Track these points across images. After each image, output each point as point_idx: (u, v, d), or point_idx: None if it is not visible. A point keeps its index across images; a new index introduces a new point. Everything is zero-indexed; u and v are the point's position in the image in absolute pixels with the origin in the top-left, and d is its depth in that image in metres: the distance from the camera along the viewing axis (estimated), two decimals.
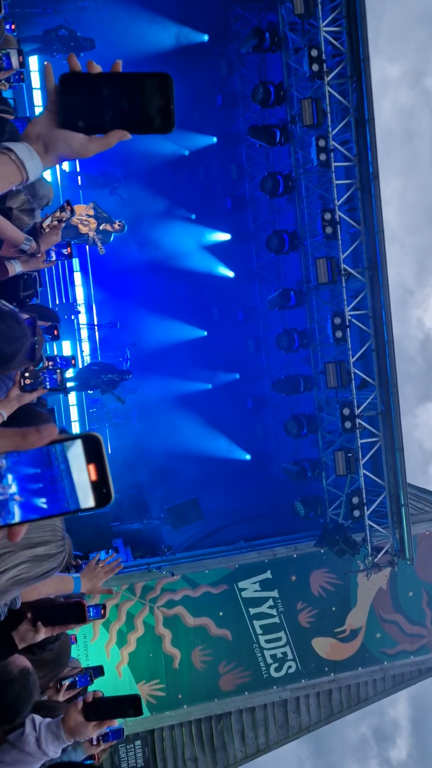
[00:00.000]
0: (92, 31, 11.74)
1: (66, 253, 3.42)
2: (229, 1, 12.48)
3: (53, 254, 3.36)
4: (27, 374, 2.74)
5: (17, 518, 0.87)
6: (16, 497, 0.86)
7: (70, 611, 2.36)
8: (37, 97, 12.14)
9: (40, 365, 3.10)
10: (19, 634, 2.29)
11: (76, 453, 0.89)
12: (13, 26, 4.59)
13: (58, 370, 3.20)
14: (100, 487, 0.90)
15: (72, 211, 3.60)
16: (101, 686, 10.22)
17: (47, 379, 2.83)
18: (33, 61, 11.39)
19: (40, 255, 3.24)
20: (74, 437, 0.90)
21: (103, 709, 2.32)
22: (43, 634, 2.31)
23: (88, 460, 0.89)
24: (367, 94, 9.87)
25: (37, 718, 2.27)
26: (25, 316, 2.65)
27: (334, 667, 11.00)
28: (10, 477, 0.86)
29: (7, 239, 3.11)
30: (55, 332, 3.47)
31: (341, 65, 9.97)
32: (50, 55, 11.56)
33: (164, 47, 12.59)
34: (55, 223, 3.37)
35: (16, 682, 2.05)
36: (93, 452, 0.90)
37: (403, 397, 10.76)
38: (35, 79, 11.66)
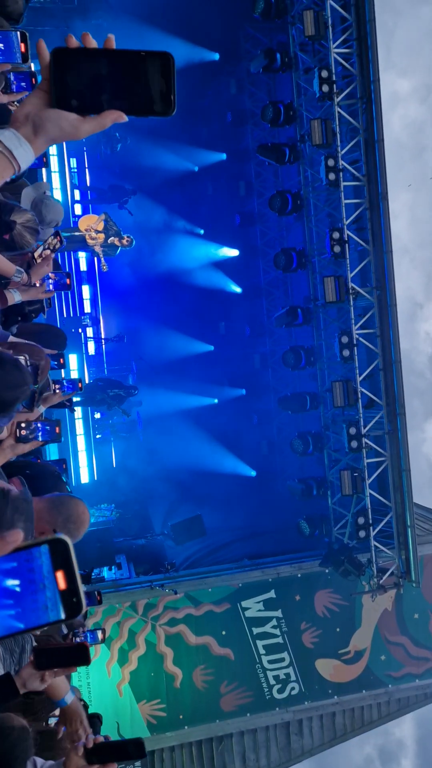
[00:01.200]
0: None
1: (66, 283, 3.39)
2: (240, 22, 12.58)
3: (51, 285, 3.33)
4: (23, 424, 2.70)
5: None
6: None
7: (74, 653, 2.29)
8: None
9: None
10: (21, 678, 2.23)
11: (43, 559, 0.82)
12: (33, 81, 4.57)
13: (56, 427, 3.12)
14: (69, 596, 0.82)
15: (62, 242, 3.58)
16: (101, 703, 10.11)
17: (40, 431, 2.78)
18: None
19: (39, 285, 3.22)
20: (40, 542, 0.82)
21: (105, 753, 2.26)
22: (48, 681, 2.27)
23: (56, 567, 0.81)
24: (376, 115, 9.90)
25: (39, 760, 2.23)
26: (24, 359, 2.62)
27: (337, 689, 10.85)
28: None
29: None
30: (61, 361, 3.45)
31: (351, 86, 10.01)
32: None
33: (175, 65, 12.67)
34: (47, 252, 3.35)
35: (15, 731, 2.00)
36: (61, 557, 0.82)
37: (411, 412, 10.71)
38: None
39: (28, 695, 2.24)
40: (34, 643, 2.20)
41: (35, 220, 3.41)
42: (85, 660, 2.19)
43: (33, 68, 4.05)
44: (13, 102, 4.41)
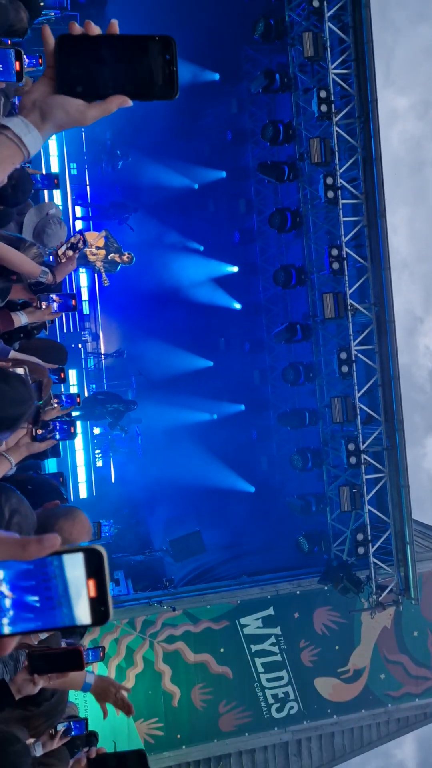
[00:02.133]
0: None
1: (71, 305, 3.44)
2: (241, 43, 12.79)
3: (56, 305, 3.38)
4: (39, 423, 2.72)
5: (6, 630, 0.82)
6: (9, 608, 0.82)
7: (67, 658, 2.27)
8: None
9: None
10: (15, 684, 2.22)
11: (76, 566, 0.85)
12: (40, 60, 4.68)
13: (72, 426, 3.16)
14: (98, 604, 0.84)
15: (85, 242, 3.64)
16: (98, 721, 9.99)
17: (57, 430, 2.81)
18: None
19: (45, 307, 3.26)
20: (76, 550, 0.85)
21: (107, 765, 2.24)
22: (40, 685, 2.26)
23: (89, 575, 0.85)
24: (374, 134, 10.03)
25: None
26: (23, 370, 2.65)
27: (336, 708, 10.74)
28: (5, 587, 0.82)
29: (23, 273, 3.14)
30: (62, 375, 3.48)
31: (349, 106, 10.16)
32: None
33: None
34: (70, 252, 3.40)
35: (17, 744, 2.00)
36: (94, 567, 0.85)
37: (411, 426, 10.75)
38: None
39: (27, 707, 2.23)
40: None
41: (41, 252, 3.47)
42: (79, 665, 2.19)
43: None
44: None
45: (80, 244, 3.55)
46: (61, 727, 3.30)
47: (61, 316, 13.28)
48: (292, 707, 10.61)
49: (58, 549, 0.85)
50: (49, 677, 2.26)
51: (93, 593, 0.85)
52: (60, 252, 3.45)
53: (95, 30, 1.21)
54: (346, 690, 10.80)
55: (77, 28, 1.22)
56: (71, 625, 0.85)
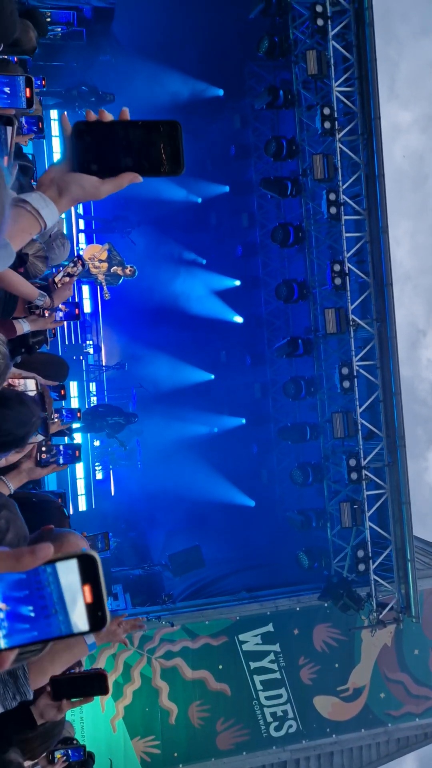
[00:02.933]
0: (112, 84, 12.14)
1: (75, 314, 3.45)
2: (245, 59, 12.91)
3: (60, 314, 3.39)
4: (44, 448, 2.70)
5: (3, 644, 0.81)
6: (4, 621, 0.81)
7: (92, 682, 2.25)
8: (56, 145, 12.50)
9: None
10: (38, 709, 2.19)
11: (70, 573, 0.85)
12: (43, 81, 4.75)
13: (76, 450, 3.14)
14: (95, 610, 0.85)
15: (83, 265, 3.66)
16: (94, 739, 9.85)
17: (61, 454, 2.80)
18: (54, 114, 11.75)
19: (48, 315, 3.26)
20: (69, 556, 0.86)
21: None
22: (66, 710, 2.23)
23: (84, 581, 0.85)
24: (377, 151, 10.09)
25: None
26: (31, 391, 2.64)
27: (336, 727, 10.61)
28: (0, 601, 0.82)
29: (21, 295, 3.14)
30: (62, 392, 3.47)
31: (352, 123, 10.23)
32: (72, 110, 11.94)
33: (181, 100, 13.00)
34: (67, 279, 3.42)
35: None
36: (89, 572, 0.86)
37: (413, 440, 10.72)
38: (56, 130, 12.01)
39: (23, 730, 2.20)
40: (29, 692, 2.15)
41: (43, 247, 3.49)
42: (103, 689, 2.17)
43: (41, 113, 4.24)
44: (26, 142, 4.57)
45: (78, 269, 3.56)
46: (59, 755, 3.25)
47: (63, 328, 13.29)
48: (290, 726, 10.48)
49: (51, 557, 0.85)
50: (73, 703, 2.23)
51: (89, 599, 0.85)
52: (57, 279, 3.47)
53: (108, 117, 1.34)
54: (345, 709, 10.67)
55: (92, 116, 1.34)
56: (68, 633, 0.84)
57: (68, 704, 2.20)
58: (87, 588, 0.85)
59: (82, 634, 0.85)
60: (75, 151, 1.35)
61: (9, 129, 1.56)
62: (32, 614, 0.83)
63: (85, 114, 1.35)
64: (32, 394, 2.75)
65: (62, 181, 1.36)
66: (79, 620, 0.85)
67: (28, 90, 2.07)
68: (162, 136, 1.32)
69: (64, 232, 4.40)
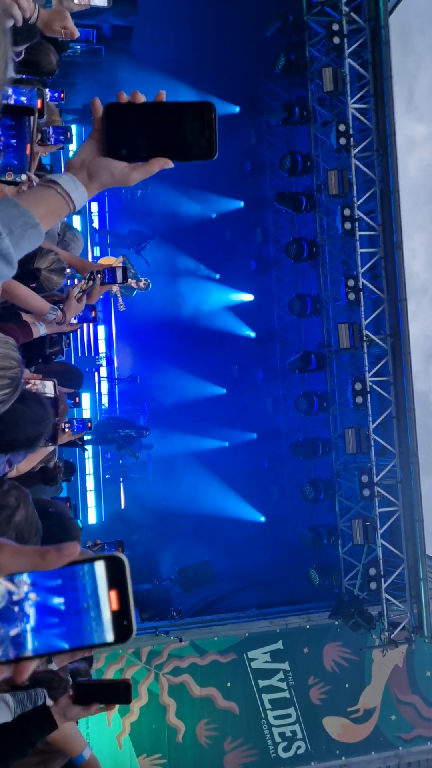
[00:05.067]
0: None
1: (91, 317, 3.45)
2: (261, 77, 13.04)
3: (75, 318, 3.38)
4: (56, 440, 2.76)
5: (29, 652, 0.76)
6: (29, 627, 0.76)
7: (116, 691, 2.19)
8: None
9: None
10: (60, 708, 2.11)
11: (97, 576, 0.79)
12: (62, 95, 4.81)
13: (89, 423, 3.27)
14: (120, 618, 0.78)
15: (93, 280, 3.65)
16: (100, 755, 9.74)
17: (75, 424, 2.88)
18: (73, 129, 11.90)
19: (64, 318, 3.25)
20: (97, 558, 0.80)
21: None
22: (93, 713, 2.18)
23: (110, 586, 0.79)
24: (392, 167, 10.11)
25: None
26: (49, 393, 2.64)
27: (345, 750, 10.40)
28: (26, 603, 0.76)
29: (31, 309, 3.12)
30: (77, 399, 3.47)
31: (367, 139, 10.26)
32: (89, 126, 12.06)
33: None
34: (80, 294, 3.40)
35: None
36: (116, 576, 0.79)
37: (428, 455, 10.59)
38: (74, 144, 12.15)
39: (43, 732, 2.15)
40: (48, 700, 2.11)
41: (58, 259, 3.45)
42: (126, 698, 2.10)
43: (60, 123, 4.28)
44: (46, 153, 4.62)
45: (93, 284, 3.56)
46: None
47: (77, 340, 13.36)
48: (299, 747, 10.30)
49: (77, 558, 0.80)
50: (98, 708, 2.19)
51: (115, 605, 0.79)
52: (72, 295, 3.46)
53: (141, 98, 1.29)
54: (355, 731, 10.48)
55: (124, 97, 1.30)
56: (91, 644, 0.78)
57: (96, 708, 2.16)
58: (114, 593, 0.78)
59: (107, 645, 0.79)
60: (105, 135, 1.30)
61: (31, 119, 1.57)
62: (57, 622, 0.77)
63: (117, 96, 1.31)
64: (50, 395, 2.75)
65: (92, 165, 1.33)
66: (104, 629, 0.78)
67: (39, 101, 2.13)
68: (195, 120, 1.27)
69: (81, 249, 4.40)
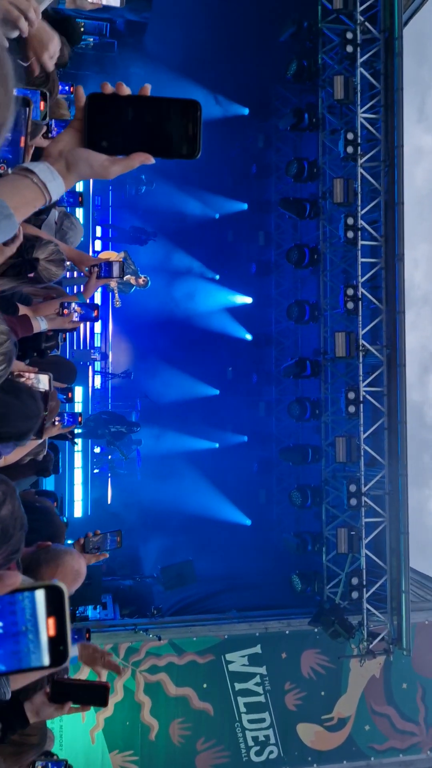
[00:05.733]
0: None
1: (93, 316, 3.43)
2: (272, 81, 13.03)
3: (77, 315, 3.36)
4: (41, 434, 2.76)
5: None
6: None
7: (93, 692, 2.18)
8: None
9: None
10: (34, 705, 2.09)
11: (36, 604, 0.82)
12: (71, 88, 4.79)
13: (79, 417, 3.25)
14: (57, 644, 0.82)
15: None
16: (72, 749, 9.71)
17: (65, 418, 2.85)
18: None
19: (66, 314, 3.23)
20: (38, 586, 0.83)
21: None
22: (64, 712, 2.15)
23: (48, 613, 0.82)
24: (398, 179, 10.13)
25: None
26: (43, 387, 2.63)
27: (318, 757, 10.41)
28: None
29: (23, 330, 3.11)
30: (69, 395, 3.45)
31: (375, 149, 10.27)
32: None
33: (206, 116, 13.05)
34: (74, 318, 3.41)
35: None
36: (54, 604, 0.82)
37: (420, 466, 10.65)
38: None
39: (14, 729, 2.13)
40: (7, 692, 2.09)
41: (58, 249, 3.42)
42: (103, 701, 2.10)
43: (69, 117, 4.26)
44: None
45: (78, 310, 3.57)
46: (39, 765, 3.18)
47: (72, 334, 13.31)
48: (272, 752, 10.30)
49: (17, 587, 0.82)
50: (73, 708, 2.17)
51: (52, 632, 0.82)
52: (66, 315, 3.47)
53: (126, 91, 1.25)
54: (328, 738, 10.49)
55: (109, 88, 1.26)
56: (27, 667, 0.81)
57: (69, 708, 2.13)
58: (51, 621, 0.82)
59: (42, 669, 0.82)
60: (87, 125, 1.26)
61: (27, 110, 1.54)
62: (1, 631, 0.81)
63: (101, 86, 1.26)
64: (43, 389, 2.74)
65: (71, 156, 1.28)
66: (40, 654, 0.82)
67: (42, 103, 2.12)
68: (180, 117, 1.23)
69: (81, 239, 4.38)
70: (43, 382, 2.80)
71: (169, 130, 1.24)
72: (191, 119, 1.23)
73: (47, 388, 2.79)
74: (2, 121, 1.01)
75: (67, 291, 4.10)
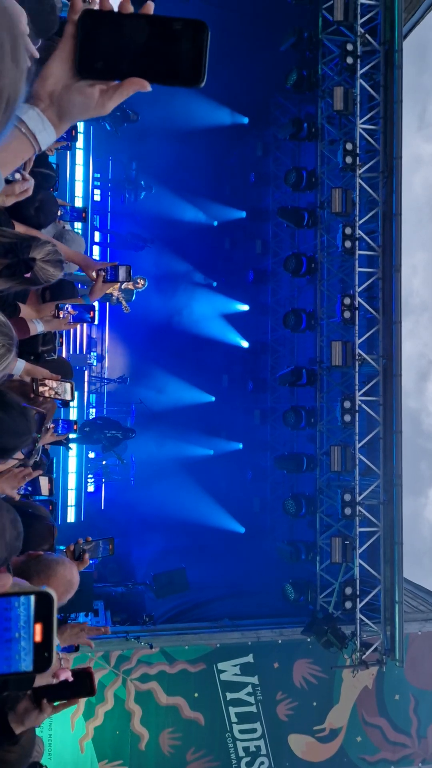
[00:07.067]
0: (138, 103, 12.31)
1: (90, 317, 3.41)
2: (272, 90, 13.10)
3: (71, 317, 3.34)
4: (33, 456, 2.70)
5: None
6: None
7: (78, 682, 2.01)
8: (80, 157, 12.65)
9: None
10: (18, 715, 2.00)
11: (25, 609, 0.83)
12: None
13: (74, 424, 3.21)
14: (42, 649, 0.83)
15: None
16: (61, 758, 9.59)
17: (61, 425, 2.83)
18: (81, 127, 11.89)
19: (62, 317, 3.21)
20: (27, 592, 0.84)
21: None
22: (48, 713, 2.03)
23: (36, 619, 0.83)
24: (396, 190, 10.17)
25: None
26: (66, 397, 2.62)
27: None
28: None
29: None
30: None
31: (374, 160, 10.32)
32: (97, 124, 12.10)
33: (206, 124, 13.18)
34: (68, 321, 3.40)
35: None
36: (42, 611, 0.83)
37: (416, 475, 10.65)
38: (81, 142, 12.15)
39: (1, 745, 2.08)
40: None
41: (56, 250, 3.39)
42: (90, 690, 1.99)
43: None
44: (52, 151, 4.57)
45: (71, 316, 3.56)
46: None
47: (69, 338, 13.29)
48: (262, 762, 10.22)
49: (7, 591, 0.83)
50: (55, 707, 2.07)
51: (39, 638, 0.83)
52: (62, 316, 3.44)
53: (129, 8, 1.13)
54: (320, 750, 10.42)
55: (108, 5, 1.14)
56: (17, 671, 0.82)
57: (50, 707, 2.02)
58: (38, 627, 0.83)
59: (26, 674, 0.83)
60: (80, 42, 1.13)
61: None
62: None
63: (100, 3, 1.14)
64: (67, 398, 2.72)
65: (64, 98, 1.16)
66: (24, 659, 0.83)
67: None
68: (184, 39, 1.11)
69: (82, 251, 4.37)
70: (67, 391, 2.78)
71: (170, 54, 1.12)
72: (196, 42, 1.12)
73: (69, 397, 2.78)
74: (15, 96, 0.94)
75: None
